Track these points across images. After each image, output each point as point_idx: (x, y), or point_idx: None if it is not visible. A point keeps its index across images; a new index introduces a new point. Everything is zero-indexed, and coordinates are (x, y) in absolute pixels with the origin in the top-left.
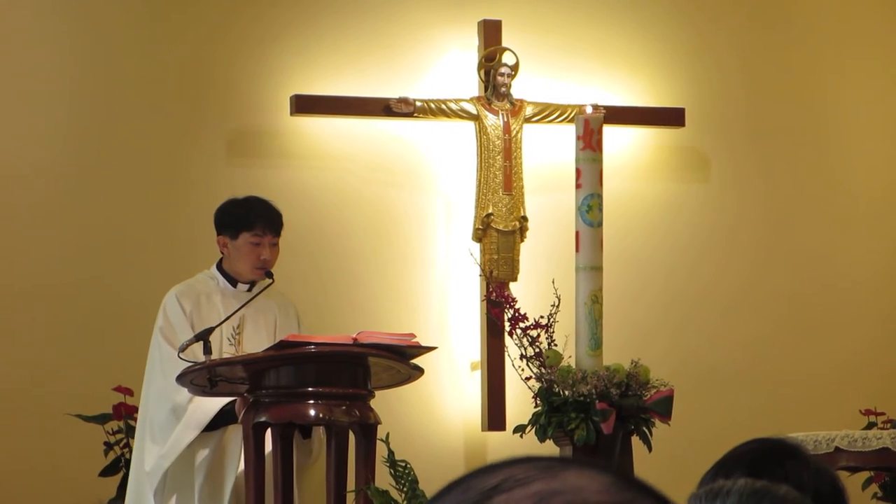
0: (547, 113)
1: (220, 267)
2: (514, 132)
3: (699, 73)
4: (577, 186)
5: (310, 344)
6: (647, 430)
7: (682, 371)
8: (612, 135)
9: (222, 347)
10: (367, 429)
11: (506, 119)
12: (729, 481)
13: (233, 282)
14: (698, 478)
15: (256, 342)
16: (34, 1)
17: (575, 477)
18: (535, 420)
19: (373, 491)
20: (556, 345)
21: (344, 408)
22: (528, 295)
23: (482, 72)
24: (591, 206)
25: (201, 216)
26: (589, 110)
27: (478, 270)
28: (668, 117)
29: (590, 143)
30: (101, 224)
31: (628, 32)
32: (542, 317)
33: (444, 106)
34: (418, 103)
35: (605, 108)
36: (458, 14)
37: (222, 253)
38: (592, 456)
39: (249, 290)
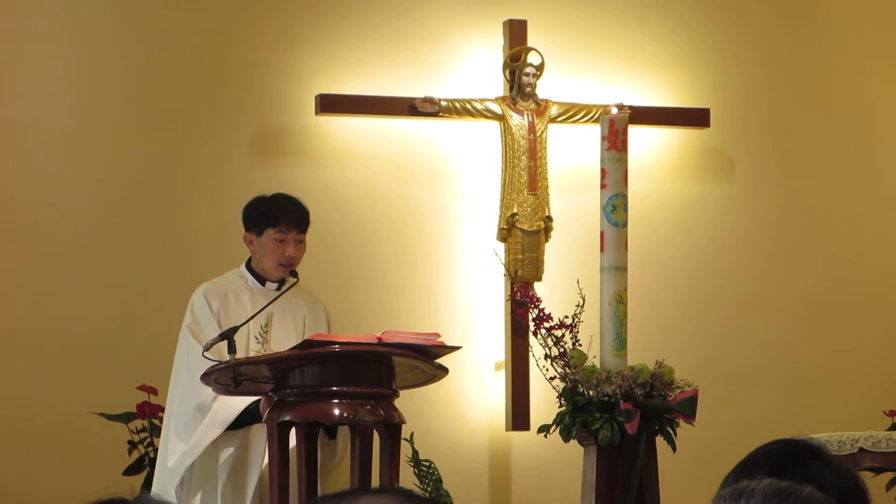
0: (572, 113)
1: (248, 265)
2: (539, 132)
3: (724, 73)
4: (602, 186)
5: (334, 343)
6: (671, 431)
7: (703, 369)
8: (637, 135)
9: (249, 345)
10: (392, 428)
11: (531, 119)
12: (753, 481)
13: (261, 280)
14: (719, 476)
15: (284, 341)
16: (55, 4)
17: (368, 499)
18: (559, 420)
19: None
20: (580, 345)
21: (368, 407)
22: (553, 295)
23: (507, 71)
24: (616, 207)
25: (226, 215)
26: (614, 110)
27: (502, 270)
28: (693, 118)
29: (615, 143)
30: (124, 224)
31: (654, 33)
32: (566, 317)
33: (469, 105)
34: (443, 103)
35: (631, 108)
36: (483, 14)
37: (249, 250)
38: (615, 455)
39: (278, 288)
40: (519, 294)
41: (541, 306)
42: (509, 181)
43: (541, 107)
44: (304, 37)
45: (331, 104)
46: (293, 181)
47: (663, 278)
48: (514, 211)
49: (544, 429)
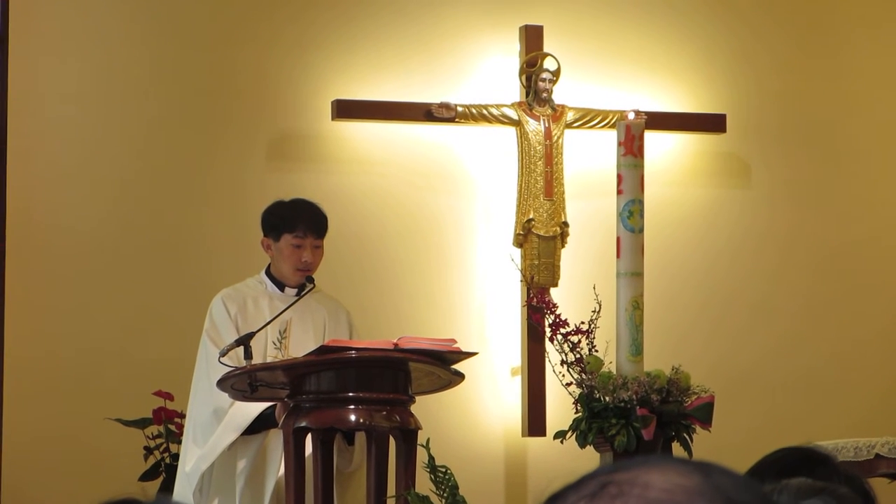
0: (588, 118)
1: (268, 271)
2: (556, 137)
3: (740, 79)
4: (619, 192)
5: (350, 349)
6: (687, 437)
7: (718, 372)
8: (654, 140)
9: (267, 351)
10: (408, 434)
11: (547, 124)
12: (784, 480)
13: (280, 286)
14: None
15: (303, 346)
16: (68, 9)
17: (658, 476)
18: (575, 426)
19: (413, 496)
20: (596, 350)
21: (384, 413)
22: (569, 300)
23: (523, 77)
24: (632, 212)
25: (242, 221)
26: (630, 116)
27: (518, 276)
28: (709, 123)
29: (631, 148)
30: (139, 229)
31: (669, 38)
32: (582, 322)
33: (485, 111)
34: (459, 108)
35: (647, 113)
36: (499, 19)
37: (267, 255)
38: None
39: (298, 294)
40: (535, 300)
41: (557, 312)
42: (525, 187)
43: (557, 112)
44: (319, 42)
45: (347, 109)
46: (309, 187)
47: (678, 283)
48: (531, 216)
49: (560, 435)
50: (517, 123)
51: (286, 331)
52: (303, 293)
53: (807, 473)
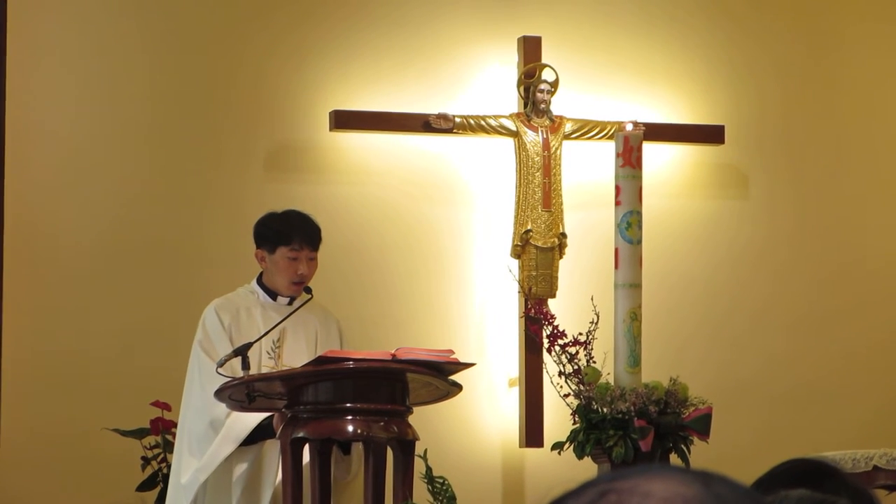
0: (586, 130)
1: (260, 281)
2: (554, 149)
3: (739, 90)
4: (617, 203)
5: (348, 360)
6: (685, 448)
7: (716, 384)
8: (652, 152)
9: (261, 361)
10: (406, 445)
11: (545, 136)
12: (783, 491)
13: (272, 296)
14: None
15: (296, 356)
16: (66, 17)
17: (660, 485)
18: (573, 437)
19: None
20: (594, 362)
21: (382, 424)
22: (567, 312)
23: (522, 88)
24: (630, 224)
25: (240, 232)
26: (629, 127)
27: (516, 287)
28: (707, 135)
29: (629, 160)
30: (137, 239)
31: (668, 50)
32: (580, 333)
33: (483, 122)
34: (457, 119)
35: (645, 124)
36: (498, 30)
37: (261, 266)
38: None
39: (290, 303)
40: (533, 311)
41: (555, 323)
42: (523, 198)
43: (555, 123)
44: (318, 53)
45: (345, 120)
46: (307, 197)
47: (676, 293)
48: (528, 228)
49: (558, 446)
50: (515, 134)
51: (280, 340)
52: (300, 304)
53: (815, 486)
